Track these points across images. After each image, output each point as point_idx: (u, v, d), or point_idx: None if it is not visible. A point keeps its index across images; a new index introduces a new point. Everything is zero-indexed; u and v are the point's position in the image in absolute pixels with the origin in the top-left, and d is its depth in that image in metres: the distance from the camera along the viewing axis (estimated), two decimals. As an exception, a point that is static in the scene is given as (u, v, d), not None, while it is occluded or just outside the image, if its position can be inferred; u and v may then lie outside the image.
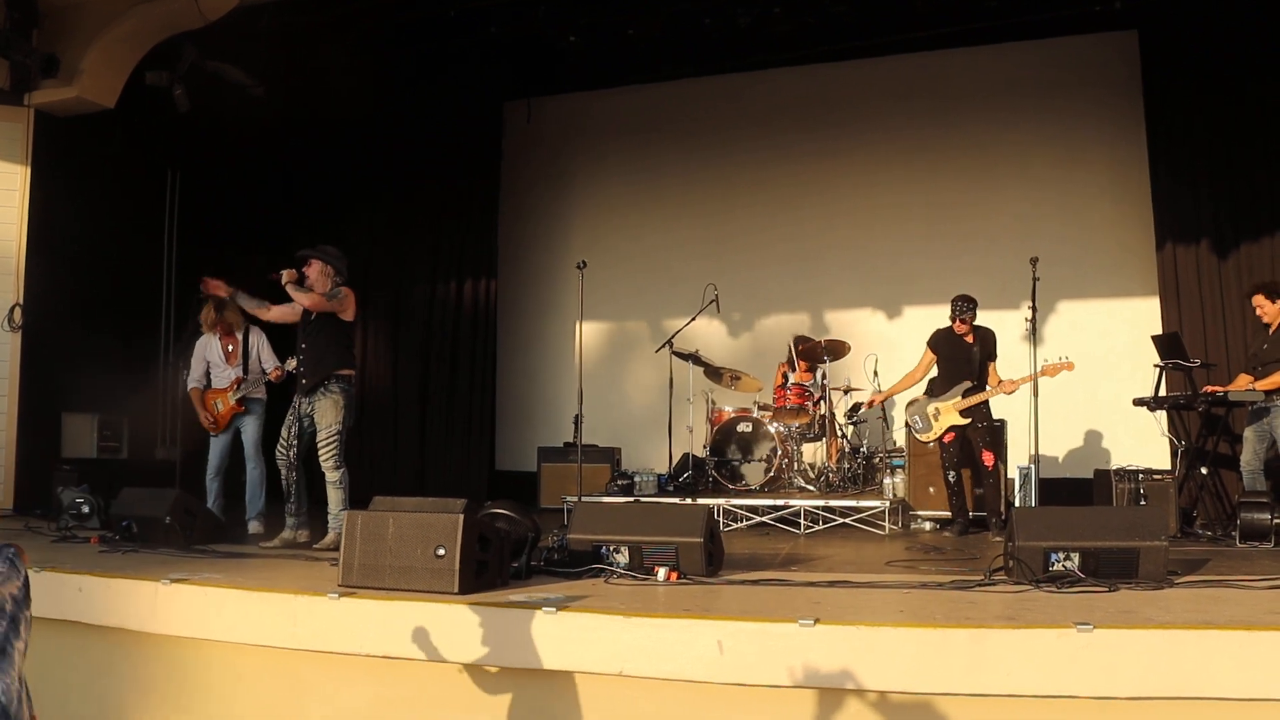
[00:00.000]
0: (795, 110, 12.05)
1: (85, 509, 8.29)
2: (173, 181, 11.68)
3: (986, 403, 8.40)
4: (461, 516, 5.15)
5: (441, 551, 5.09)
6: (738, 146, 12.24)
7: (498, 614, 4.74)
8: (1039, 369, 7.98)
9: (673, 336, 10.33)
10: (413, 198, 12.76)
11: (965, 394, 8.35)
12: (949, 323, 8.54)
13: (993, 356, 8.55)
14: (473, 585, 5.12)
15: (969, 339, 8.47)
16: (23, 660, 2.76)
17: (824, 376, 10.02)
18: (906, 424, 8.89)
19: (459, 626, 4.77)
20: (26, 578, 2.80)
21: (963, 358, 8.48)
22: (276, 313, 7.74)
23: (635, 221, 12.66)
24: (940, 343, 8.63)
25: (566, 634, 4.58)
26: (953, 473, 8.49)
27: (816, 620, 4.29)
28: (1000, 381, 8.39)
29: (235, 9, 9.77)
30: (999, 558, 5.69)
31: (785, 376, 10.36)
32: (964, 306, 8.41)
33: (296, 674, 5.21)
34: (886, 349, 10.61)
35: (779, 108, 12.12)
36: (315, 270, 7.41)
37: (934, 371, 8.67)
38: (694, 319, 10.47)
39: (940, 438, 8.48)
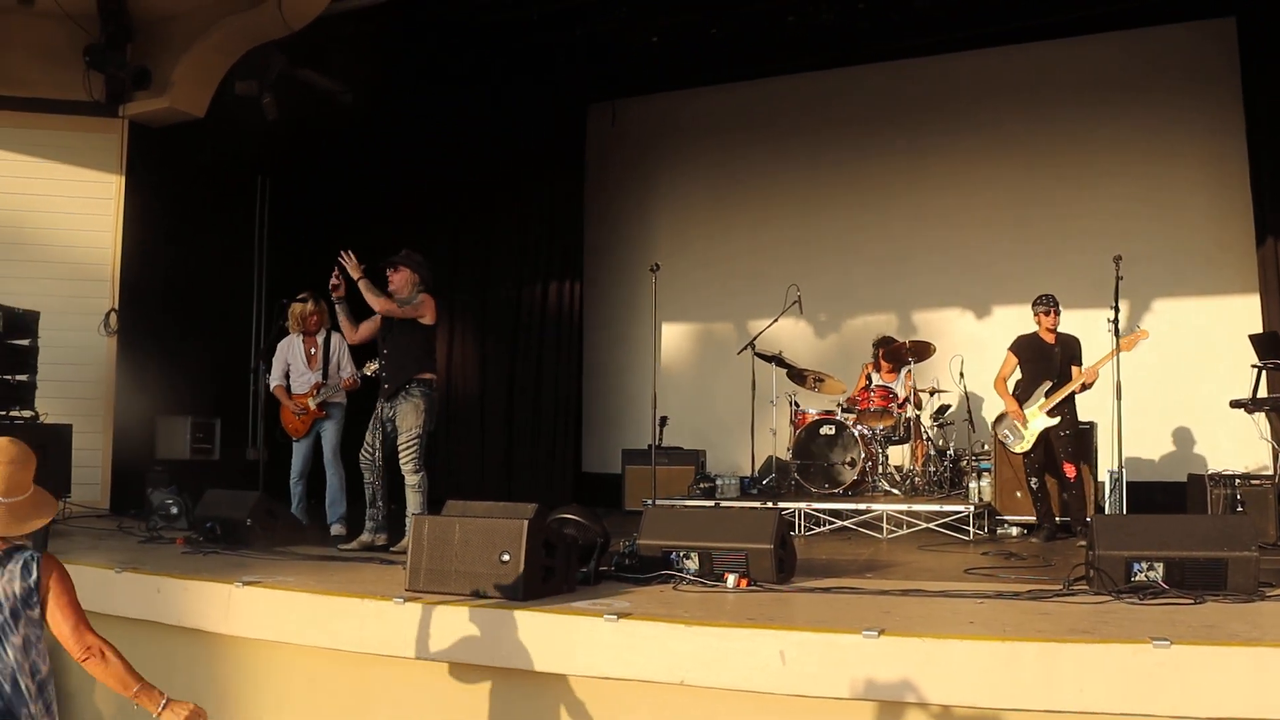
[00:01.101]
0: (880, 108, 11.86)
1: (174, 510, 8.46)
2: (262, 188, 11.90)
3: (1073, 405, 8.16)
4: (526, 522, 5.13)
5: (506, 557, 5.08)
6: (822, 145, 12.08)
7: (560, 621, 4.71)
8: (1116, 345, 7.73)
9: (755, 338, 10.23)
10: (498, 200, 12.83)
11: (1048, 393, 8.13)
12: (1034, 328, 8.37)
13: (1076, 361, 8.28)
14: (538, 591, 5.10)
15: (1050, 340, 8.25)
16: (22, 655, 3.01)
17: (912, 379, 9.86)
18: (998, 440, 8.62)
19: (521, 633, 4.74)
20: (36, 583, 3.01)
21: (1043, 358, 8.25)
22: (365, 332, 7.69)
23: (719, 222, 12.57)
24: (1022, 348, 8.40)
25: (628, 642, 4.53)
26: (1035, 479, 8.24)
27: (881, 631, 4.19)
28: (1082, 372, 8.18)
29: (320, 17, 9.90)
30: (1079, 567, 5.51)
31: (869, 378, 10.21)
32: (1050, 300, 8.23)
33: (365, 678, 5.25)
34: (974, 350, 10.37)
35: (863, 105, 11.94)
36: (403, 277, 7.44)
37: (1016, 377, 8.45)
38: (776, 320, 10.35)
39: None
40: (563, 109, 12.65)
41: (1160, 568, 5.12)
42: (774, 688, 4.28)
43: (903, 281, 11.62)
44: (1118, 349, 7.72)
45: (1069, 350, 8.28)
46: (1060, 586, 5.30)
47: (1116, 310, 7.61)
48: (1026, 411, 8.18)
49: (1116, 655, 3.96)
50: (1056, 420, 8.11)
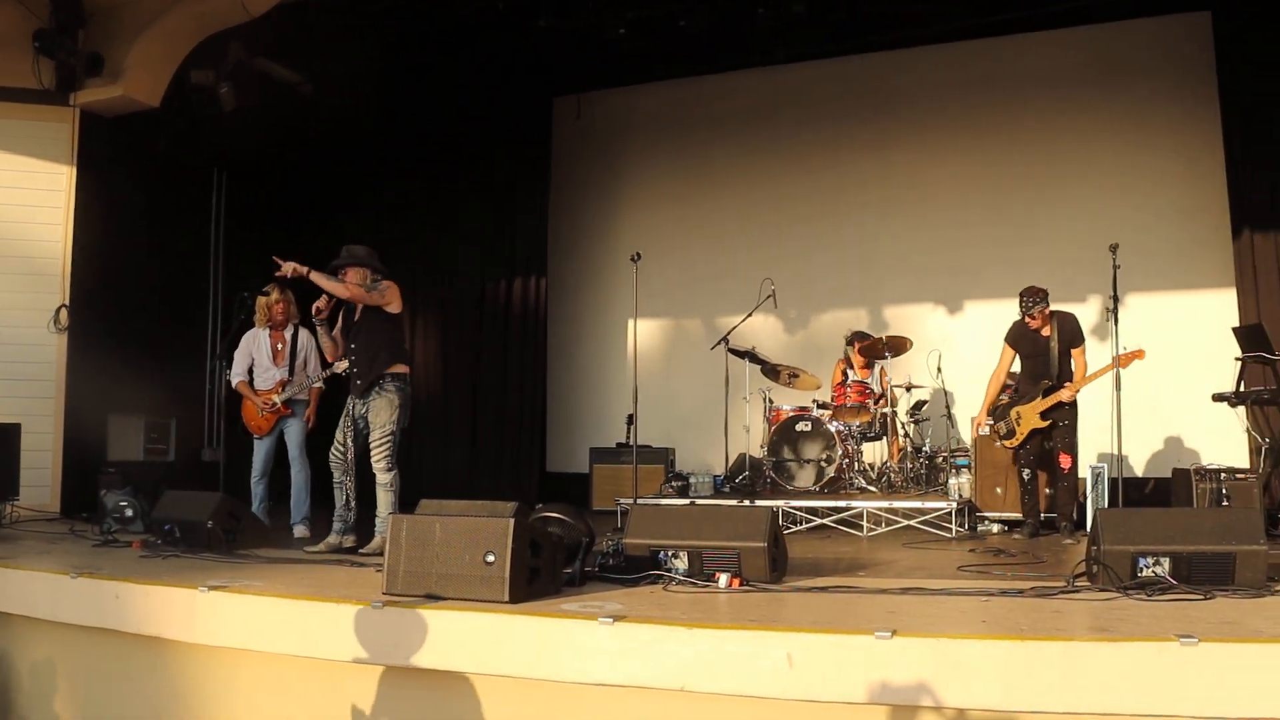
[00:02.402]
0: (852, 100, 11.71)
1: (129, 512, 8.16)
2: (219, 180, 11.57)
3: (1073, 402, 7.97)
4: (512, 521, 4.89)
5: (491, 558, 4.83)
6: (793, 138, 11.92)
7: (551, 624, 4.46)
8: (1111, 362, 7.63)
9: (728, 334, 10.01)
10: (462, 195, 12.61)
11: (1045, 394, 7.93)
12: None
13: (1076, 343, 8.00)
14: (524, 593, 4.86)
15: (1045, 332, 8.03)
16: None
17: (887, 375, 9.71)
18: (993, 431, 8.43)
19: (509, 637, 4.50)
20: None
21: (1040, 354, 8.02)
22: (355, 290, 7.13)
23: (687, 217, 12.37)
24: (1018, 339, 8.15)
25: (624, 646, 4.29)
26: (1028, 471, 8.08)
27: (894, 632, 3.98)
28: (1081, 376, 7.91)
29: (279, 5, 9.61)
30: (1082, 563, 5.34)
31: (845, 374, 10.05)
32: (1029, 303, 7.90)
33: (341, 687, 4.97)
34: (948, 344, 10.27)
35: (835, 98, 11.77)
36: (354, 277, 7.14)
37: (1017, 367, 8.26)
38: (750, 314, 10.13)
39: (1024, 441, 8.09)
40: (527, 102, 12.41)
41: (1166, 562, 4.97)
42: (781, 692, 4.06)
43: (874, 276, 11.48)
44: (1112, 365, 7.61)
45: (1066, 335, 7.99)
46: (1064, 583, 5.13)
47: (1115, 300, 7.49)
48: (1023, 410, 7.99)
49: (1142, 654, 3.78)
50: (1048, 423, 7.92)
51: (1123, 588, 4.90)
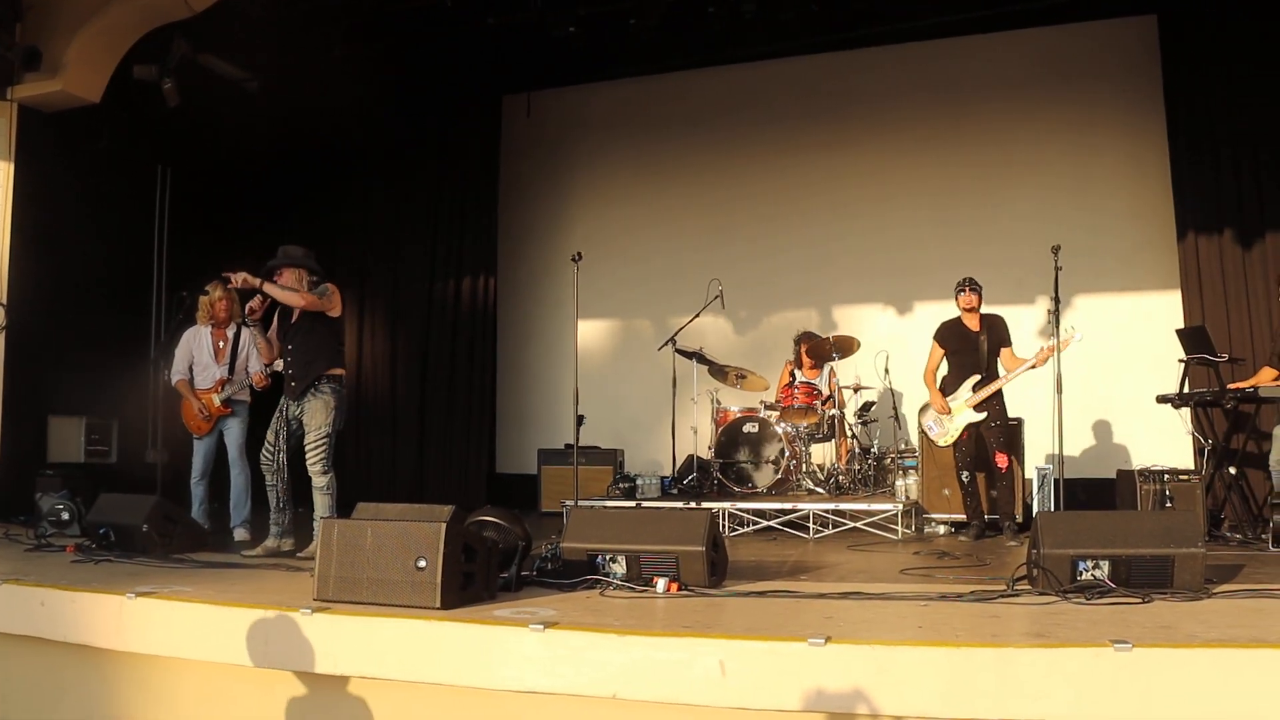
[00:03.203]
0: (802, 101, 11.68)
1: (65, 515, 7.97)
2: (163, 178, 11.38)
3: (1001, 397, 8.03)
4: (444, 525, 4.79)
5: (422, 563, 4.74)
6: (742, 138, 11.88)
7: (481, 631, 4.38)
8: (1045, 349, 7.72)
9: (676, 334, 9.96)
10: (410, 194, 12.48)
11: (975, 388, 7.98)
12: (957, 314, 8.21)
13: (1005, 343, 8.11)
14: (456, 599, 4.77)
15: (975, 327, 8.09)
16: None
17: (833, 375, 9.69)
18: (922, 431, 8.50)
19: (440, 644, 4.42)
20: None
21: (970, 349, 8.08)
22: (279, 346, 7.22)
23: (637, 217, 12.31)
24: (947, 336, 8.24)
25: (555, 654, 4.22)
26: (966, 473, 8.12)
27: (828, 638, 3.93)
28: (1011, 365, 8.02)
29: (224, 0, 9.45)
30: (1022, 566, 5.33)
31: (793, 375, 10.02)
32: (962, 284, 8.07)
33: (271, 696, 4.86)
34: (895, 345, 10.25)
35: (785, 98, 11.75)
36: (289, 278, 7.04)
37: (944, 369, 8.30)
38: (698, 315, 10.09)
39: (957, 439, 8.13)
40: (476, 100, 12.30)
41: (1106, 565, 4.96)
42: (713, 700, 4.00)
43: (824, 277, 11.46)
44: (1046, 354, 7.68)
45: (996, 334, 8.11)
46: (1004, 587, 5.11)
47: (1057, 301, 7.48)
48: (952, 405, 8.07)
49: (1077, 659, 3.75)
50: (983, 415, 7.99)
51: (1062, 591, 4.88)
